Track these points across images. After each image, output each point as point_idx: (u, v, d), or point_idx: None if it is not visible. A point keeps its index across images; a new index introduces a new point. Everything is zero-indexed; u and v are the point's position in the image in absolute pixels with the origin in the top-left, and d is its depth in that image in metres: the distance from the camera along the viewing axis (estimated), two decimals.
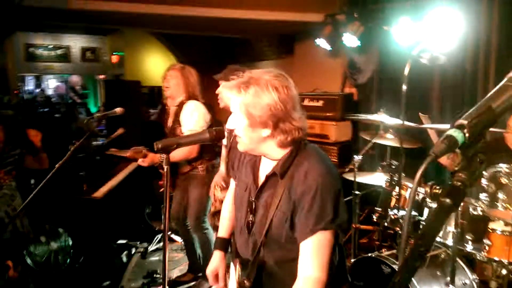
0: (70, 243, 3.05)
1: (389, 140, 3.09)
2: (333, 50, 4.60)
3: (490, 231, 2.04)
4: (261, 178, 1.45)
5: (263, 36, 6.38)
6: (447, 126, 2.44)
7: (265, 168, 1.44)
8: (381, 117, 2.87)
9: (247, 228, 1.46)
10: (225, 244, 1.68)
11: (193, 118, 2.83)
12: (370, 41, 4.25)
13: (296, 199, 1.32)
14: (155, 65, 10.78)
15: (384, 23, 3.96)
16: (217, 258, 1.65)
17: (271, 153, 1.39)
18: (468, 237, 2.14)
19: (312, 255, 1.29)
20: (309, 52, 5.17)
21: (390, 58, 4.05)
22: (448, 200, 0.68)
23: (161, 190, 3.64)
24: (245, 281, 1.36)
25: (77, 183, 3.09)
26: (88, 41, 11.89)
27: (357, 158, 2.97)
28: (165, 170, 1.31)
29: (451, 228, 2.15)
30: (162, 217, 4.01)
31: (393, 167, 2.59)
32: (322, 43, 4.48)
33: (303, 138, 1.37)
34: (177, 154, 2.73)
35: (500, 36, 3.06)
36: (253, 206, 1.44)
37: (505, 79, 0.74)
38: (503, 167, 2.01)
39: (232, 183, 1.70)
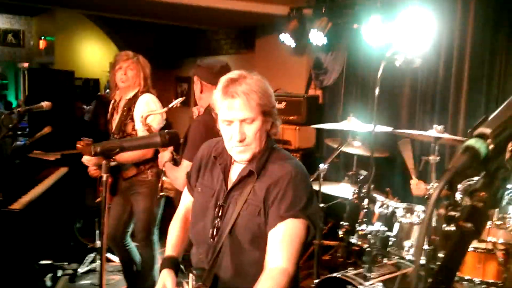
0: None
1: (357, 148, 3.18)
2: (298, 48, 4.67)
3: None
4: (232, 180, 1.54)
5: (220, 27, 6.37)
6: (425, 132, 2.52)
7: (237, 171, 1.53)
8: (351, 124, 2.94)
9: (211, 236, 1.51)
10: (173, 263, 1.67)
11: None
12: (339, 40, 4.37)
13: (270, 186, 1.42)
14: (92, 53, 10.41)
15: (354, 21, 4.09)
16: (164, 274, 1.63)
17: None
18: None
19: (281, 244, 1.37)
20: (271, 48, 5.22)
21: (359, 59, 4.20)
22: (469, 225, 0.64)
23: (98, 200, 3.49)
24: None
25: None
26: (10, 22, 11.29)
27: (323, 167, 3.02)
28: (104, 178, 1.25)
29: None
30: (97, 232, 3.87)
31: (361, 177, 2.66)
32: (286, 39, 4.54)
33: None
34: (129, 155, 2.65)
35: (475, 40, 3.25)
36: (222, 210, 1.51)
37: None
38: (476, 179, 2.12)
39: (185, 198, 1.75)
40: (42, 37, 10.78)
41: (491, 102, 3.21)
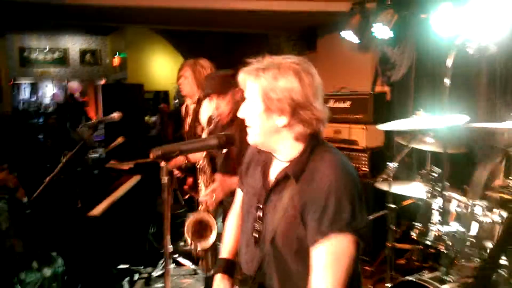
0: (64, 269, 3.06)
1: (429, 145, 3.01)
2: (361, 44, 4.55)
3: None
4: (272, 181, 1.45)
5: (281, 30, 6.40)
6: None
7: (276, 170, 1.44)
8: (421, 120, 2.80)
9: (254, 239, 1.45)
10: (228, 266, 1.64)
11: None
12: (405, 32, 4.19)
13: (308, 199, 1.31)
14: (161, 66, 10.93)
15: (422, 11, 3.91)
16: (218, 280, 1.61)
17: (284, 149, 1.40)
18: None
19: (326, 265, 1.26)
20: (334, 47, 5.14)
21: (428, 51, 3.99)
22: None
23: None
24: None
25: (72, 200, 3.11)
26: (88, 42, 12.17)
27: (393, 166, 2.90)
28: (164, 181, 1.29)
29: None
30: (164, 236, 4.03)
31: (434, 175, 2.51)
32: (348, 35, 4.44)
33: (321, 132, 1.40)
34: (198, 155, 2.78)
35: None
36: (261, 213, 1.44)
37: None
38: None
39: (239, 194, 1.71)
40: (116, 54, 11.53)
41: None
